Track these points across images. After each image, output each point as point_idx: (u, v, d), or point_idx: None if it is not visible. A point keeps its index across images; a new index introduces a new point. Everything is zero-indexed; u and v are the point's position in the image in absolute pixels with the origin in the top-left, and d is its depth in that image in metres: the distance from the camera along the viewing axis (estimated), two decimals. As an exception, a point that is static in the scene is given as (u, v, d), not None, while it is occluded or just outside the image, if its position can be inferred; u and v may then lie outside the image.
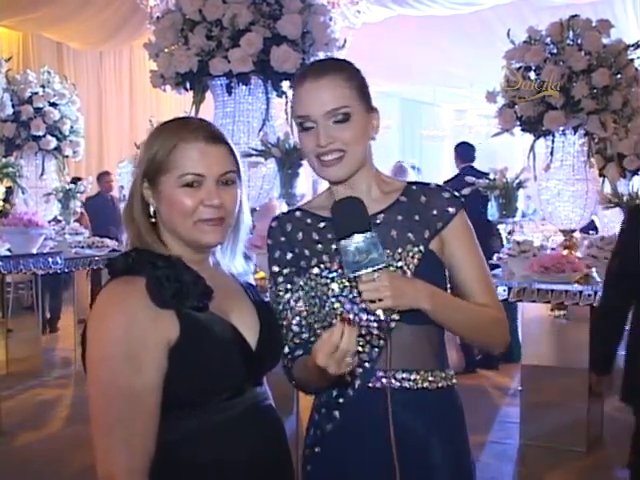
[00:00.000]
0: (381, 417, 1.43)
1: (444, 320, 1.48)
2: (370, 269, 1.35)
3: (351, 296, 1.46)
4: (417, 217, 1.53)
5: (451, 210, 1.54)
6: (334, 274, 1.49)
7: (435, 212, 1.54)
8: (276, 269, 1.59)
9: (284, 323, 1.55)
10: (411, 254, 1.50)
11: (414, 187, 1.58)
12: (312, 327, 1.54)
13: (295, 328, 1.55)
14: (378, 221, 1.52)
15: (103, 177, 8.41)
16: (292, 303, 1.56)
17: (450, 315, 1.48)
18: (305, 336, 1.54)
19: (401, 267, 1.49)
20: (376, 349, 1.47)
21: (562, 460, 3.92)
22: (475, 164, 6.28)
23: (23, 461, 3.96)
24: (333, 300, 1.48)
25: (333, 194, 1.56)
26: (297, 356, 1.52)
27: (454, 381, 1.56)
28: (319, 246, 1.53)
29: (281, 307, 1.56)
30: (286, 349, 1.53)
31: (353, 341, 1.25)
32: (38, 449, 4.15)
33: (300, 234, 1.57)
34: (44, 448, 4.16)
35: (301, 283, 1.54)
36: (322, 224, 1.56)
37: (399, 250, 1.50)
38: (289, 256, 1.57)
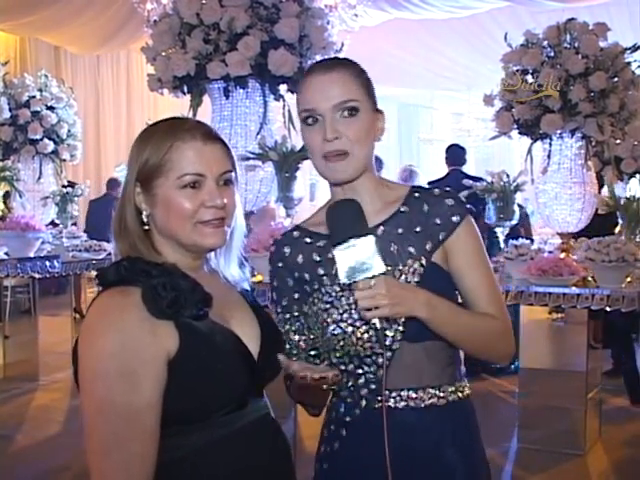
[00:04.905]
0: (381, 439, 1.39)
1: (443, 331, 1.41)
2: (366, 276, 1.30)
3: (350, 320, 1.41)
4: (419, 228, 1.47)
5: (455, 219, 1.47)
6: (332, 298, 1.44)
7: (438, 221, 1.47)
8: (275, 298, 1.55)
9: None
10: (412, 269, 1.44)
11: (417, 194, 1.50)
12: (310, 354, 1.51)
13: (293, 358, 1.51)
14: (378, 233, 1.45)
15: (114, 184, 8.34)
16: (291, 335, 1.52)
17: (450, 326, 1.41)
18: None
19: None
20: (382, 370, 1.42)
21: (560, 463, 3.91)
22: (472, 167, 6.22)
23: (20, 465, 3.95)
24: (333, 327, 1.43)
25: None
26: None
27: (467, 392, 1.51)
28: (320, 269, 1.47)
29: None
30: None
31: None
32: (35, 453, 4.13)
33: (300, 257, 1.50)
34: (41, 452, 4.14)
35: (305, 309, 1.50)
36: (322, 242, 1.49)
37: (400, 267, 1.44)
38: (290, 282, 1.52)
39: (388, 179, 1.59)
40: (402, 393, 1.44)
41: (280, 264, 1.53)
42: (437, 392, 1.46)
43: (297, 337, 1.52)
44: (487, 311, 1.47)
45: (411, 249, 1.46)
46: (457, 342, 1.46)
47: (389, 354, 1.42)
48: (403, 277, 1.44)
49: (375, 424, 1.42)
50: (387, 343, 1.40)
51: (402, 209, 1.49)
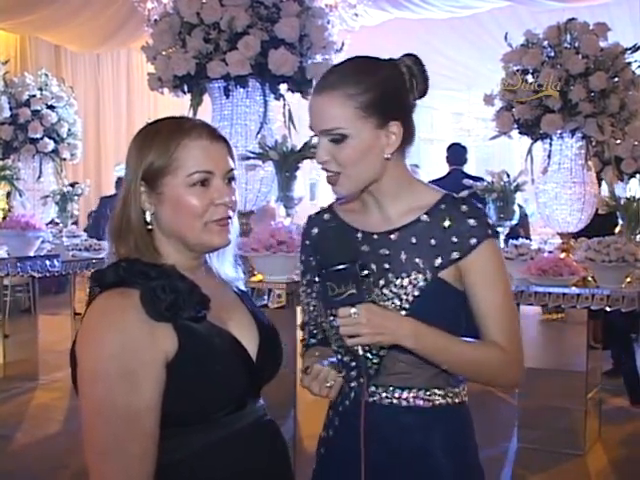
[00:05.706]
0: (360, 433, 1.41)
1: (435, 360, 1.39)
2: (347, 303, 1.30)
3: None
4: (433, 241, 1.43)
5: (473, 241, 1.41)
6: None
7: (455, 239, 1.42)
8: (301, 271, 1.62)
9: (304, 318, 1.64)
10: (414, 282, 1.42)
11: (443, 206, 1.45)
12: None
13: (312, 328, 1.62)
14: (392, 238, 1.46)
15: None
16: (310, 307, 1.61)
17: (441, 356, 1.39)
18: (320, 337, 1.59)
19: (399, 295, 1.42)
20: (375, 366, 1.43)
21: (560, 463, 3.91)
22: (472, 167, 6.20)
23: (19, 465, 3.94)
24: (333, 318, 1.42)
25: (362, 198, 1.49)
26: (310, 344, 1.60)
27: (459, 399, 1.49)
28: None
29: (303, 307, 1.64)
30: (302, 335, 1.64)
31: (331, 372, 1.41)
32: (35, 452, 4.13)
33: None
34: (41, 451, 4.14)
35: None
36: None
37: (403, 275, 1.42)
38: (313, 263, 1.55)
39: (421, 181, 1.55)
40: (389, 390, 1.45)
41: (307, 242, 1.60)
42: (423, 394, 1.45)
43: (315, 312, 1.59)
44: (495, 338, 1.43)
45: (419, 261, 1.43)
46: (451, 370, 1.44)
47: (381, 355, 1.43)
48: (404, 287, 1.42)
49: (358, 417, 1.43)
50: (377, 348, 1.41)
51: (422, 218, 1.45)
